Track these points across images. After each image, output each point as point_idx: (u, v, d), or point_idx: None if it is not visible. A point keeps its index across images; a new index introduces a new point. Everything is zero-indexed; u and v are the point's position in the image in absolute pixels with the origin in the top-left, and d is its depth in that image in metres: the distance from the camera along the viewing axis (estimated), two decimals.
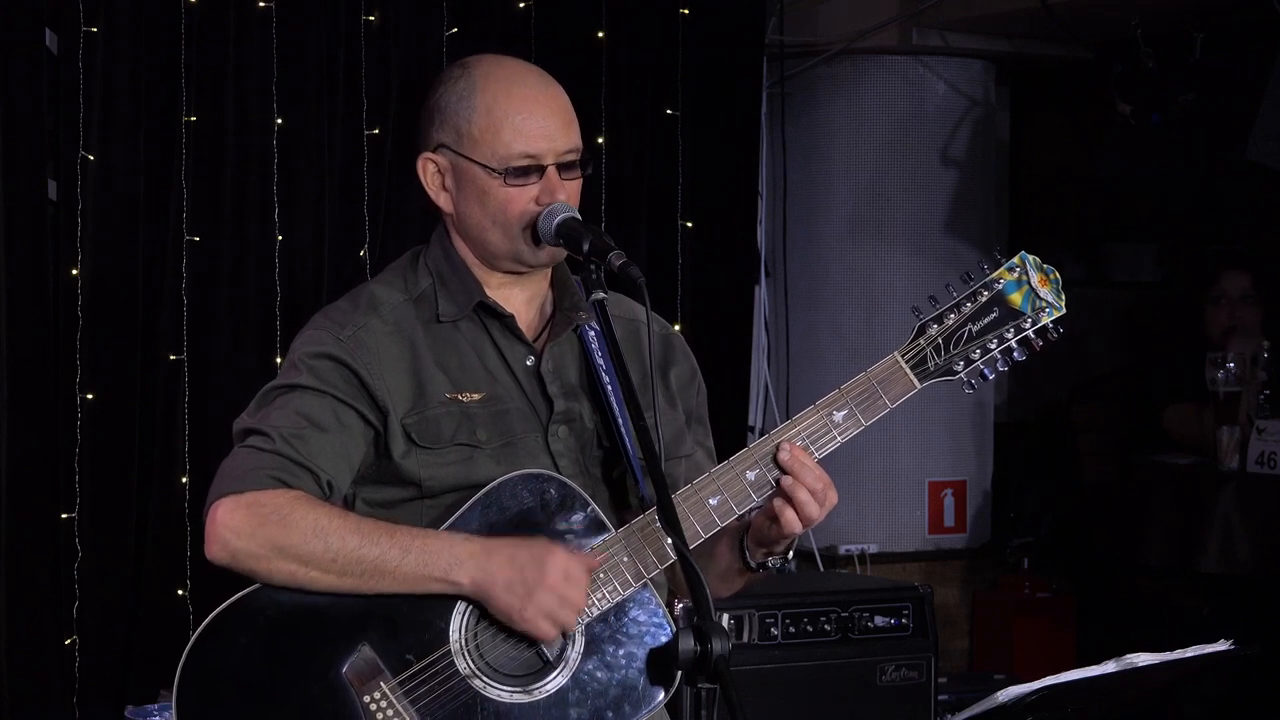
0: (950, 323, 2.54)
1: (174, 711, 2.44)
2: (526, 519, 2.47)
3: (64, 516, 4.77)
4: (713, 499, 2.49)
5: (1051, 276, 2.58)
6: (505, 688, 2.44)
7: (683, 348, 2.76)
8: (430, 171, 2.63)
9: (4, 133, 4.67)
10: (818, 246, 6.07)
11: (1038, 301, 2.56)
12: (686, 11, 5.67)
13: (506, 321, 2.59)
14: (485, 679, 2.43)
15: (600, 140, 5.48)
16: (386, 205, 5.21)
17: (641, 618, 2.49)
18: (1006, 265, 2.57)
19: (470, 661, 2.43)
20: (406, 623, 2.45)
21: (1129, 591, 5.58)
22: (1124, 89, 5.26)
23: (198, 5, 4.90)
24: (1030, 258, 2.58)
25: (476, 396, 2.54)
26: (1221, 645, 2.85)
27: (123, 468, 4.88)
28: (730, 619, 4.41)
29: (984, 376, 2.56)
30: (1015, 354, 2.56)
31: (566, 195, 2.55)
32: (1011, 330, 2.55)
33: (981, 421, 6.18)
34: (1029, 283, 2.56)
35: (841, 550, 5.91)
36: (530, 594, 2.38)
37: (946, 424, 6.03)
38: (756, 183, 5.95)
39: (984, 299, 2.55)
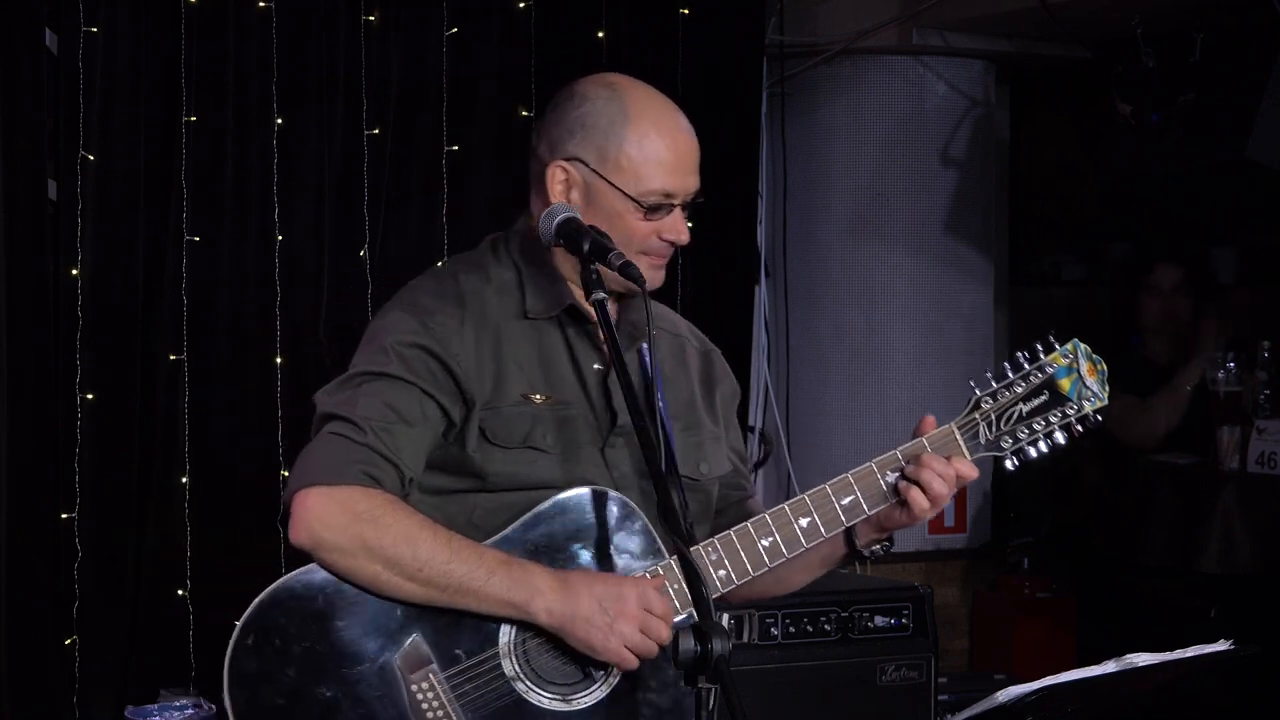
0: (1003, 400, 2.67)
1: (226, 676, 2.49)
2: (587, 534, 2.54)
3: (64, 516, 4.78)
4: (764, 540, 2.58)
5: (1099, 367, 2.71)
6: (546, 694, 2.50)
7: (723, 364, 2.86)
8: (558, 179, 2.64)
9: (4, 133, 4.67)
10: (818, 246, 6.06)
11: (1084, 390, 2.68)
12: (686, 11, 5.67)
13: (589, 328, 2.64)
14: (529, 683, 2.50)
15: None
16: (386, 205, 5.21)
17: None
18: (1060, 351, 2.69)
19: (517, 665, 2.50)
20: (461, 619, 2.50)
21: (1129, 591, 5.58)
22: (1124, 89, 5.26)
23: (198, 5, 4.91)
24: (1082, 346, 2.70)
25: (547, 398, 2.59)
26: (1221, 645, 2.85)
27: (123, 468, 4.88)
28: (730, 619, 4.41)
29: (1027, 455, 2.68)
30: (1058, 437, 2.67)
31: (687, 235, 2.65)
32: (1057, 415, 2.66)
33: None
34: (1079, 370, 2.68)
35: None
36: (612, 626, 2.44)
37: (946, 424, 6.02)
38: (756, 183, 5.95)
39: (1036, 381, 2.67)
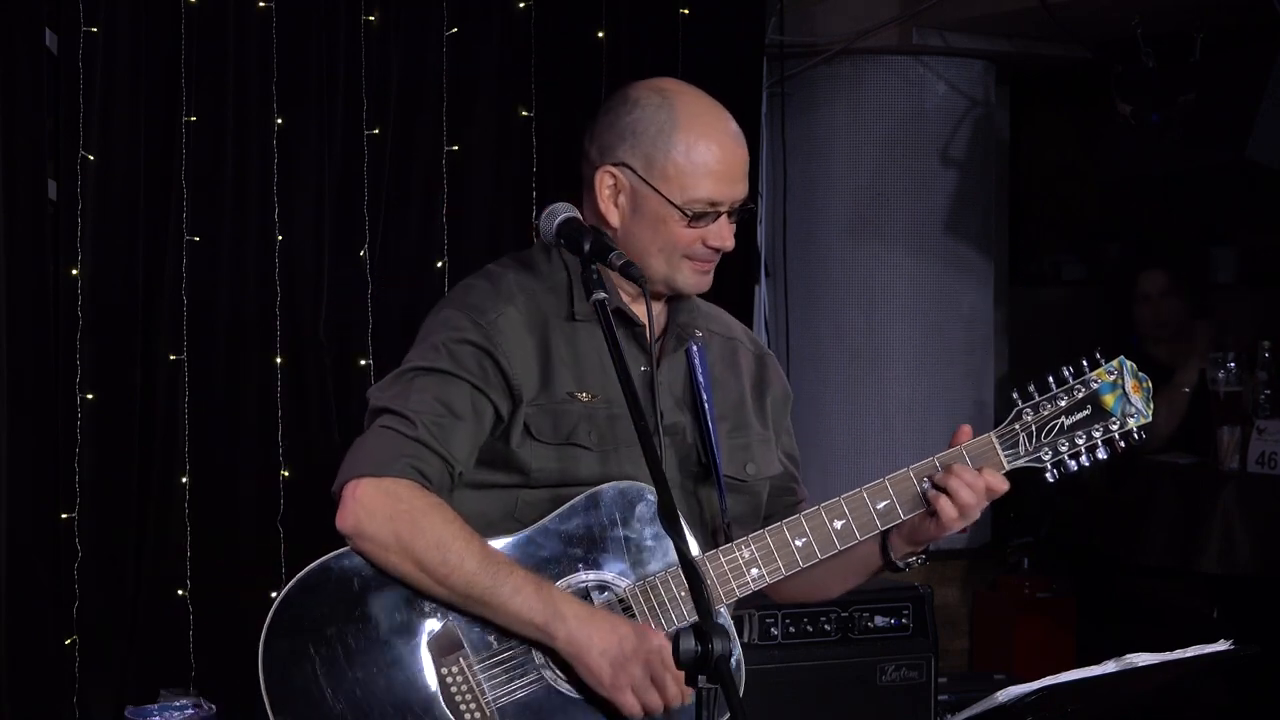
0: (1045, 413, 2.69)
1: (261, 655, 2.53)
2: (619, 528, 2.57)
3: (64, 516, 4.78)
4: (798, 540, 2.61)
5: (1145, 384, 2.72)
6: (570, 688, 2.53)
7: (776, 368, 2.88)
8: (606, 184, 2.68)
9: (4, 133, 4.67)
10: (818, 246, 6.06)
11: (1128, 406, 2.69)
12: (686, 11, 5.66)
13: (636, 331, 2.67)
14: (556, 671, 2.54)
15: None
16: (386, 205, 5.21)
17: None
18: (1105, 367, 2.70)
19: (546, 653, 2.53)
20: None
21: (1129, 591, 5.58)
22: (1124, 89, 5.26)
23: (198, 5, 4.90)
24: (1128, 363, 2.72)
25: (594, 397, 2.62)
26: (1221, 645, 2.85)
27: (123, 468, 4.88)
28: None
29: (1068, 468, 2.70)
30: (1099, 452, 2.69)
31: (732, 243, 2.68)
32: (1100, 430, 2.68)
33: (981, 421, 6.17)
34: (1123, 387, 2.69)
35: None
36: (624, 664, 2.47)
37: (946, 424, 6.01)
38: (756, 183, 5.94)
39: (1080, 396, 2.68)
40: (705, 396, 2.67)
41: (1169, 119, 5.10)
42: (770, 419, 2.82)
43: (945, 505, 2.61)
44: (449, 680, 2.52)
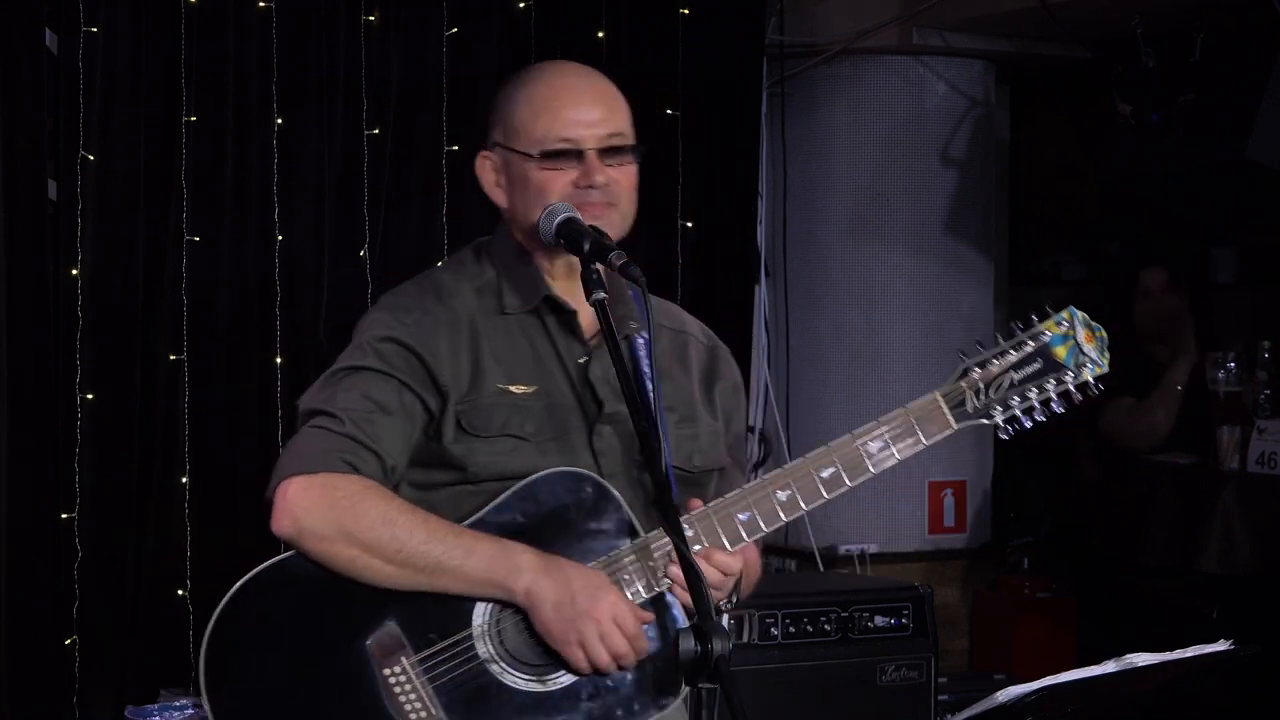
0: (993, 369, 2.62)
1: (201, 671, 2.50)
2: (560, 514, 2.53)
3: (64, 516, 4.78)
4: (742, 514, 2.54)
5: (1098, 334, 2.64)
6: (521, 675, 2.49)
7: (728, 360, 2.84)
8: (487, 169, 2.69)
9: (4, 133, 4.67)
10: (818, 246, 6.06)
11: (1081, 357, 2.62)
12: (686, 11, 5.66)
13: (568, 318, 2.64)
14: (503, 664, 2.49)
15: None
16: (386, 205, 5.21)
17: (664, 620, 2.52)
18: (1055, 318, 2.63)
19: (491, 646, 2.49)
20: (433, 602, 2.50)
21: (1129, 591, 5.57)
22: (1124, 89, 5.25)
23: (198, 5, 4.91)
24: (1079, 314, 2.64)
25: (529, 389, 2.59)
26: (1221, 645, 2.85)
27: (123, 468, 4.88)
28: (730, 619, 4.41)
29: (1020, 425, 2.62)
30: (1054, 405, 2.62)
31: (607, 179, 2.59)
32: (1053, 383, 2.61)
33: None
34: (1075, 338, 2.62)
35: (841, 550, 5.90)
36: (575, 620, 2.43)
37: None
38: (756, 183, 5.94)
39: (1029, 349, 2.62)
40: (652, 387, 2.61)
41: (1169, 119, 5.09)
42: (720, 410, 2.78)
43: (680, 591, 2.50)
44: (393, 681, 2.47)
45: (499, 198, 2.68)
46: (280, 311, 5.04)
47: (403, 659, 2.48)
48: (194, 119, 4.93)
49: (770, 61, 5.96)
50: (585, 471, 2.55)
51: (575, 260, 2.57)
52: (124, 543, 4.89)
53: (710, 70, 5.75)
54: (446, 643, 2.49)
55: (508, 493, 2.52)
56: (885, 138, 6.01)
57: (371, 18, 5.15)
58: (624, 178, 2.62)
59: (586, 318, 2.64)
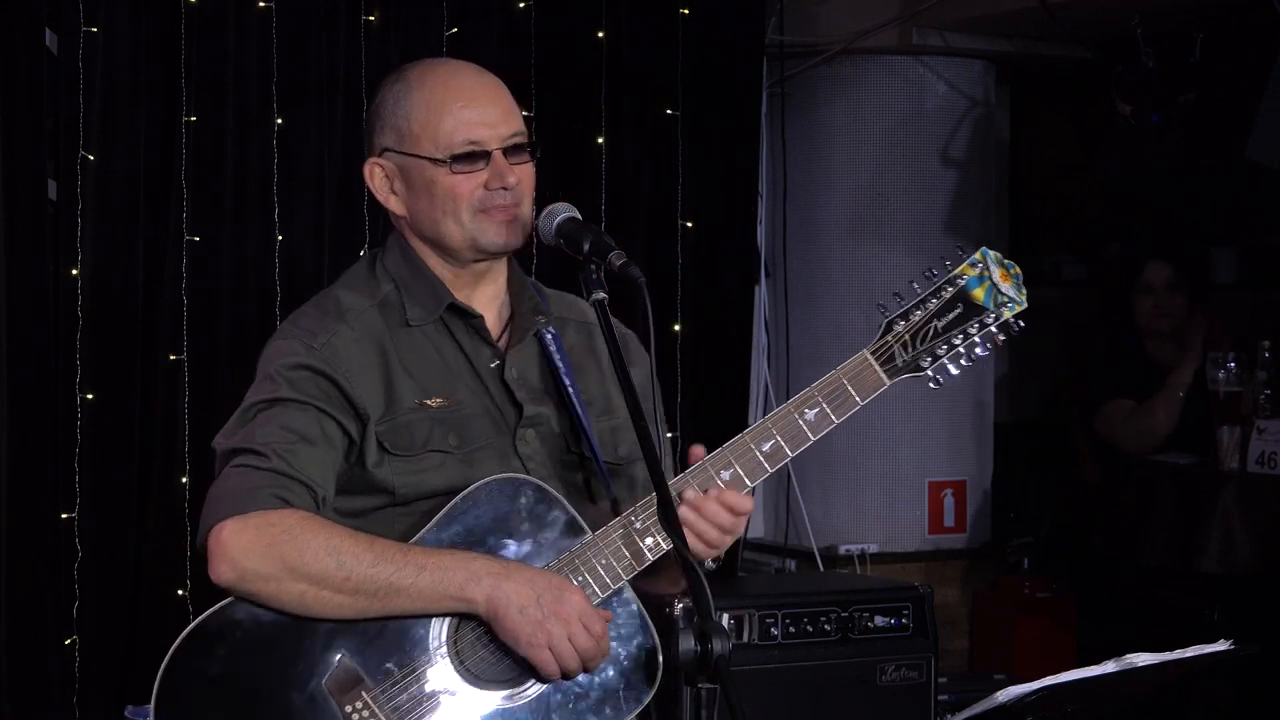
0: (916, 319, 2.61)
1: None
2: (505, 523, 2.48)
3: (64, 516, 4.78)
4: (725, 473, 2.52)
5: (1013, 271, 2.63)
6: (485, 692, 2.44)
7: (637, 347, 2.76)
8: (379, 177, 2.63)
9: (4, 133, 4.67)
10: (818, 246, 6.06)
11: (999, 296, 2.60)
12: (686, 11, 5.66)
13: (474, 323, 2.60)
14: (466, 684, 2.44)
15: (600, 140, 5.49)
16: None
17: (622, 618, 2.50)
18: (968, 261, 2.61)
19: (451, 667, 2.44)
20: (384, 631, 2.44)
21: (1129, 591, 5.57)
22: (1124, 89, 5.25)
23: (198, 5, 4.90)
24: (991, 253, 2.62)
25: (445, 401, 2.54)
26: (1221, 645, 2.85)
27: (123, 468, 4.88)
28: (730, 619, 4.41)
29: (949, 372, 2.61)
30: (979, 349, 2.60)
31: (517, 178, 2.57)
32: (975, 326, 2.60)
33: (981, 421, 6.18)
34: (990, 278, 2.61)
35: (841, 550, 5.90)
36: (543, 621, 2.39)
37: (946, 424, 6.03)
38: (756, 183, 5.94)
39: (948, 295, 2.60)
40: (568, 382, 2.59)
41: (1169, 119, 5.09)
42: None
43: (695, 541, 2.48)
44: (355, 718, 2.41)
45: (395, 205, 2.62)
46: (280, 311, 5.03)
47: (363, 693, 2.42)
48: (194, 119, 4.93)
49: (770, 61, 5.96)
50: (522, 476, 2.50)
51: (480, 265, 2.57)
52: (124, 543, 4.89)
53: (710, 70, 5.74)
54: (405, 671, 2.43)
55: (446, 508, 2.47)
56: (885, 138, 6.01)
57: (371, 18, 5.15)
58: (526, 176, 2.61)
59: (493, 320, 2.62)
